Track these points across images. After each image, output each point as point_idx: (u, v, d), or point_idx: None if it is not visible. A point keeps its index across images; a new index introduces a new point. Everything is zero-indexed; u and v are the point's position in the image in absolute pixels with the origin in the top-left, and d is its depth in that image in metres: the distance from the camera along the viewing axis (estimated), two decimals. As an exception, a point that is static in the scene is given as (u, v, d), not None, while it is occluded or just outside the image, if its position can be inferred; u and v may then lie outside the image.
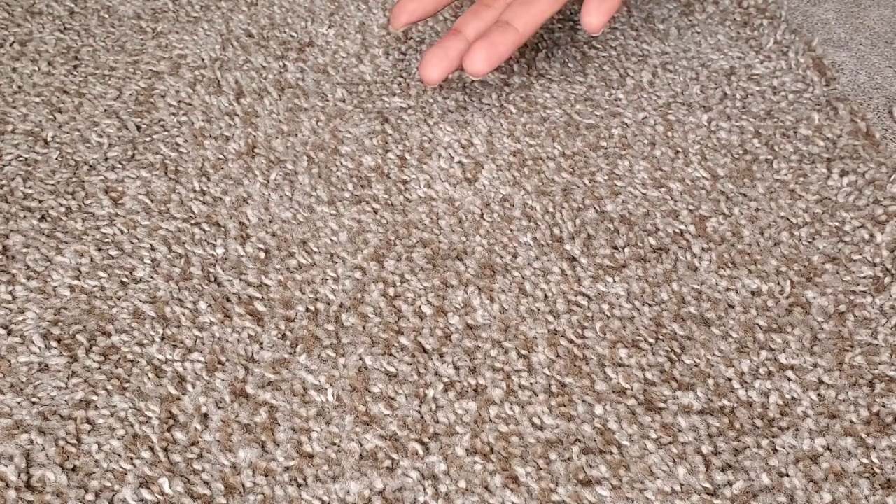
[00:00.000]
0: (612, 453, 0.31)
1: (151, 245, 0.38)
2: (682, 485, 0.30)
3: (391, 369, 0.34)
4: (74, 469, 0.30)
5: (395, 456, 0.31)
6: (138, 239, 0.38)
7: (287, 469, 0.30)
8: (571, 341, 0.35)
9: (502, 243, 0.39)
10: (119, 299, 0.36)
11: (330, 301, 0.36)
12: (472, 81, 0.48)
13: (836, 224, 0.40)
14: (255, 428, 0.31)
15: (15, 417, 0.31)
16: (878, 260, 0.38)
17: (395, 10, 0.42)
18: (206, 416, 0.32)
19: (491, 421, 0.32)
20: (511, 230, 0.40)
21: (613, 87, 0.48)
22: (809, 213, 0.41)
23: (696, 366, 0.34)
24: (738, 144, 0.44)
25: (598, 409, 0.33)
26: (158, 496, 0.29)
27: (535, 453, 0.31)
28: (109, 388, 0.32)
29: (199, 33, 0.50)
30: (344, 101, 0.46)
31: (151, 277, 0.36)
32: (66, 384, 0.32)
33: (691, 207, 0.41)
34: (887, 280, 0.38)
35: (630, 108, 0.46)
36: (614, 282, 0.37)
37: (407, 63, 0.49)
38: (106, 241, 0.38)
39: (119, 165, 0.42)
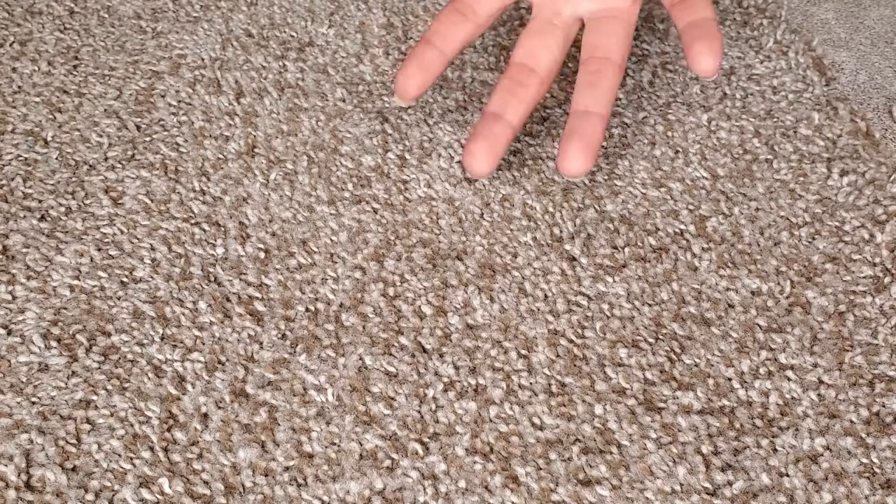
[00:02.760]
0: (612, 453, 0.31)
1: (151, 245, 0.38)
2: (682, 485, 0.30)
3: (391, 369, 0.34)
4: (74, 469, 0.30)
5: (395, 456, 0.31)
6: (138, 239, 0.38)
7: (287, 469, 0.30)
8: (571, 341, 0.35)
9: (502, 243, 0.39)
10: (119, 299, 0.35)
11: (330, 301, 0.36)
12: (473, 81, 0.48)
13: (836, 224, 0.40)
14: (255, 428, 0.31)
15: (15, 417, 0.31)
16: (878, 260, 0.38)
17: (400, 80, 0.39)
18: (206, 415, 0.32)
19: (491, 421, 0.32)
20: (511, 230, 0.40)
21: (613, 86, 0.48)
22: (809, 212, 0.41)
23: (696, 366, 0.34)
24: (738, 144, 0.44)
25: (598, 409, 0.32)
26: (158, 496, 0.29)
27: (535, 453, 0.31)
28: (109, 387, 0.32)
29: (199, 33, 0.50)
30: (344, 101, 0.46)
31: (151, 277, 0.36)
32: (66, 384, 0.32)
33: (691, 207, 0.41)
34: (887, 280, 0.38)
35: (630, 108, 0.46)
36: (614, 282, 0.37)
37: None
38: (106, 240, 0.38)
39: (119, 165, 0.42)
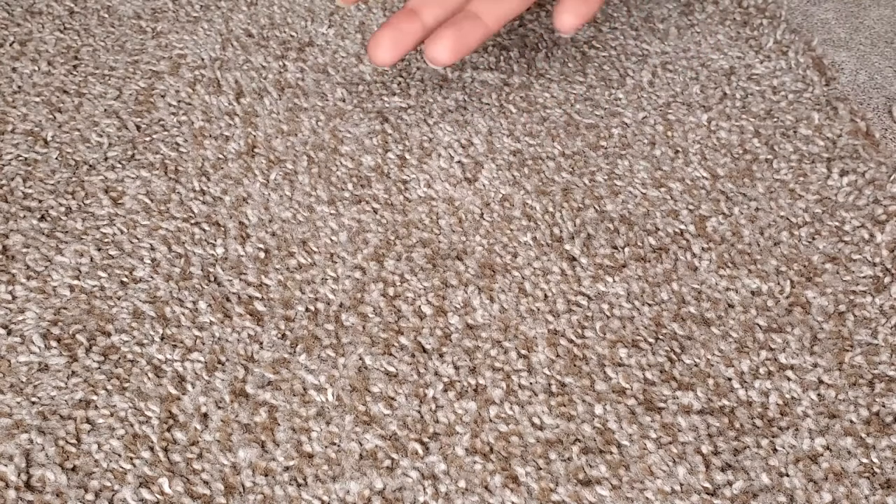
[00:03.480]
0: (612, 453, 0.31)
1: (151, 245, 0.38)
2: (682, 485, 0.30)
3: (391, 369, 0.34)
4: (74, 469, 0.30)
5: (395, 456, 0.31)
6: (138, 239, 0.38)
7: (287, 469, 0.30)
8: (571, 341, 0.35)
9: (502, 243, 0.39)
10: (119, 299, 0.35)
11: (330, 301, 0.36)
12: (473, 81, 0.48)
13: (836, 224, 0.40)
14: (254, 428, 0.31)
15: (15, 417, 0.31)
16: (878, 260, 0.38)
17: (372, 43, 0.38)
18: (205, 415, 0.32)
19: (491, 421, 0.32)
20: (511, 230, 0.40)
21: (613, 86, 0.48)
22: (809, 212, 0.41)
23: (696, 366, 0.34)
24: (738, 144, 0.44)
25: (598, 409, 0.32)
26: (158, 496, 0.29)
27: (535, 453, 0.31)
28: (109, 387, 0.32)
29: (199, 33, 0.50)
30: (344, 101, 0.46)
31: (151, 277, 0.36)
32: (66, 384, 0.32)
33: (691, 207, 0.41)
34: (887, 280, 0.38)
35: (630, 108, 0.46)
36: (614, 281, 0.37)
37: (407, 63, 0.49)
38: (106, 240, 0.38)
39: (119, 165, 0.42)
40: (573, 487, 0.30)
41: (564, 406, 0.33)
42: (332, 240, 0.39)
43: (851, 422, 0.32)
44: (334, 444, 0.31)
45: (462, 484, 0.30)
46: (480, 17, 0.38)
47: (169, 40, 0.49)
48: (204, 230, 0.39)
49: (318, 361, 0.34)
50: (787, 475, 0.31)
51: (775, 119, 0.46)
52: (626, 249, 0.39)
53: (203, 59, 0.48)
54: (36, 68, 0.47)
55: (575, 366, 0.34)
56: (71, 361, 0.33)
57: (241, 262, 0.37)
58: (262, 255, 0.38)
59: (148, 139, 0.43)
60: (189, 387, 0.33)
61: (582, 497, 0.30)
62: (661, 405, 0.33)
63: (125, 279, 0.36)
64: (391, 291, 0.37)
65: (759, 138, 0.45)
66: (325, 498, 0.30)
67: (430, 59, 0.38)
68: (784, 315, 0.36)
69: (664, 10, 0.54)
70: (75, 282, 0.36)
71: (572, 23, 0.38)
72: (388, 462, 0.31)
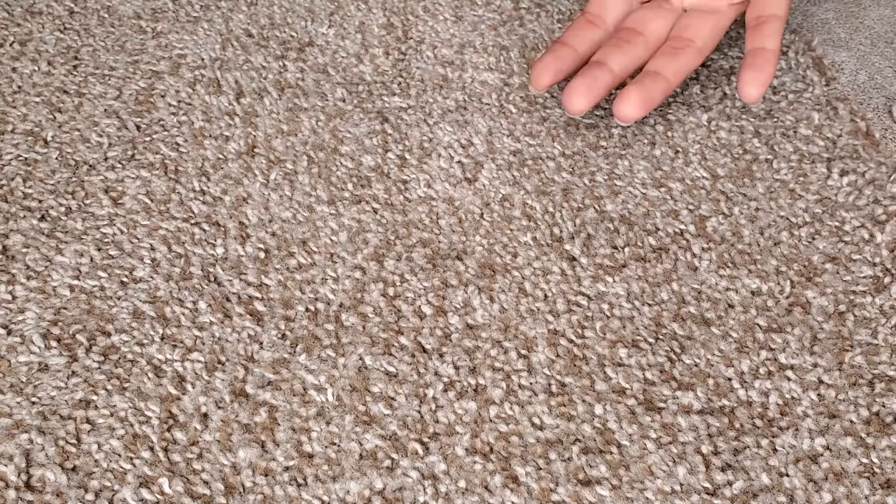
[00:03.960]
0: (612, 453, 0.31)
1: (151, 245, 0.38)
2: (681, 485, 0.30)
3: (391, 369, 0.34)
4: (74, 469, 0.30)
5: (395, 456, 0.31)
6: (138, 239, 0.38)
7: (287, 469, 0.30)
8: (571, 341, 0.35)
9: (502, 243, 0.39)
10: (119, 299, 0.36)
11: (330, 301, 0.36)
12: (473, 81, 0.48)
13: (836, 224, 0.40)
14: (254, 428, 0.31)
15: (15, 417, 0.31)
16: (878, 260, 0.38)
17: (536, 69, 0.42)
18: (205, 415, 0.32)
19: (491, 421, 0.32)
20: (511, 230, 0.40)
21: (613, 86, 0.48)
22: (809, 212, 0.41)
23: (695, 366, 0.34)
24: (738, 144, 0.44)
25: (598, 409, 0.33)
26: (158, 496, 0.29)
27: (535, 453, 0.31)
28: (109, 387, 0.32)
29: (199, 33, 0.50)
30: (344, 101, 0.46)
31: (151, 277, 0.36)
32: (66, 384, 0.32)
33: (691, 207, 0.41)
34: (887, 280, 0.38)
35: (630, 108, 0.46)
36: (614, 281, 0.37)
37: (407, 63, 0.49)
38: (106, 240, 0.38)
39: (119, 165, 0.42)
40: (573, 487, 0.30)
41: (564, 406, 0.33)
42: (332, 240, 0.39)
43: (851, 422, 0.32)
44: (334, 444, 0.31)
45: (462, 484, 0.30)
46: (661, 73, 0.41)
47: (169, 40, 0.49)
48: (204, 230, 0.39)
49: (318, 361, 0.34)
50: (787, 475, 0.31)
51: (775, 119, 0.46)
52: (626, 249, 0.39)
53: (203, 59, 0.48)
54: (36, 68, 0.47)
55: (575, 366, 0.34)
56: (71, 361, 0.33)
57: (241, 262, 0.37)
58: (262, 255, 0.38)
59: (148, 139, 0.43)
60: (189, 387, 0.33)
61: (582, 497, 0.30)
62: (661, 405, 0.33)
63: (125, 279, 0.36)
64: (391, 291, 0.37)
65: (759, 138, 0.45)
66: (325, 498, 0.30)
67: (619, 116, 0.40)
68: (784, 315, 0.36)
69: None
70: (75, 282, 0.36)
71: (758, 94, 0.41)
72: (388, 462, 0.31)
